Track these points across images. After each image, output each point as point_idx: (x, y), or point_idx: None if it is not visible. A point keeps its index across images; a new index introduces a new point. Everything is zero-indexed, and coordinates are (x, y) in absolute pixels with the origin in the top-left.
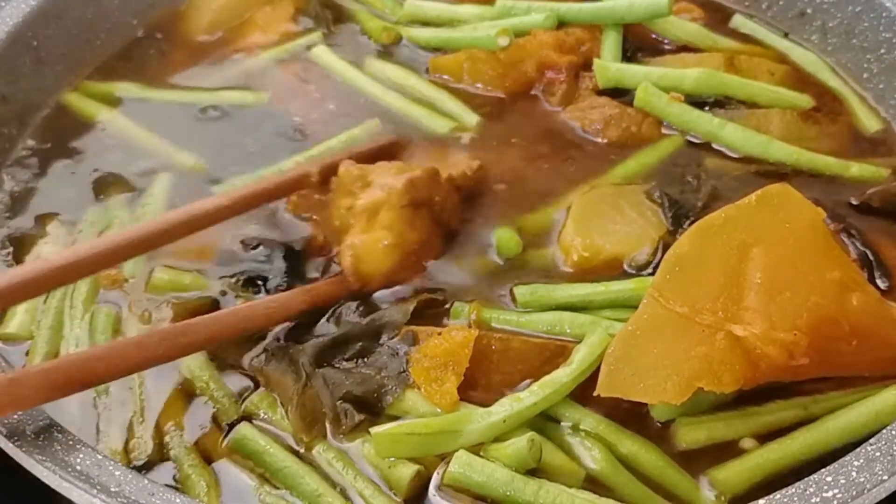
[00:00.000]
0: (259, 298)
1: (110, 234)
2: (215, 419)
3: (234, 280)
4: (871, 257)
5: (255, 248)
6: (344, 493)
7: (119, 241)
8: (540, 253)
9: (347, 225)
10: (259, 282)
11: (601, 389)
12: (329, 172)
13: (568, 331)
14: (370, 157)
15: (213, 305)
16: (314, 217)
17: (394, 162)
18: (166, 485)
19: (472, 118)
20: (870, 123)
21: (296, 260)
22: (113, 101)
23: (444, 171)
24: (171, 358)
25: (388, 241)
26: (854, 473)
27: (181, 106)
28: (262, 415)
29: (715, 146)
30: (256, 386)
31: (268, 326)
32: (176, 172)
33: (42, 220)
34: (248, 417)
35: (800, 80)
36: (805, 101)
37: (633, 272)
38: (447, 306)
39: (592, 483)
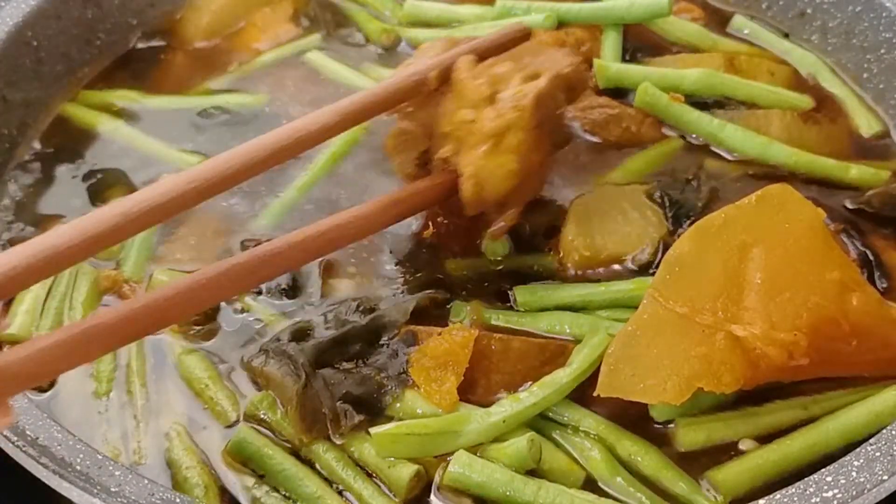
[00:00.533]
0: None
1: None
2: (215, 420)
3: None
4: (871, 257)
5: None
6: (343, 495)
7: (219, 166)
8: (541, 253)
9: (464, 137)
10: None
11: (601, 389)
12: (448, 75)
13: (568, 331)
14: (492, 51)
15: (214, 307)
16: (410, 111)
17: (506, 63)
18: (166, 485)
19: None
20: (869, 125)
21: None
22: (113, 110)
23: (546, 66)
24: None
25: (514, 167)
26: (854, 473)
27: (182, 111)
28: (262, 416)
29: (714, 147)
30: (256, 387)
31: (355, 241)
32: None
33: (45, 223)
34: (247, 418)
35: (800, 80)
36: (805, 101)
37: (635, 272)
38: (447, 306)
39: (592, 484)
